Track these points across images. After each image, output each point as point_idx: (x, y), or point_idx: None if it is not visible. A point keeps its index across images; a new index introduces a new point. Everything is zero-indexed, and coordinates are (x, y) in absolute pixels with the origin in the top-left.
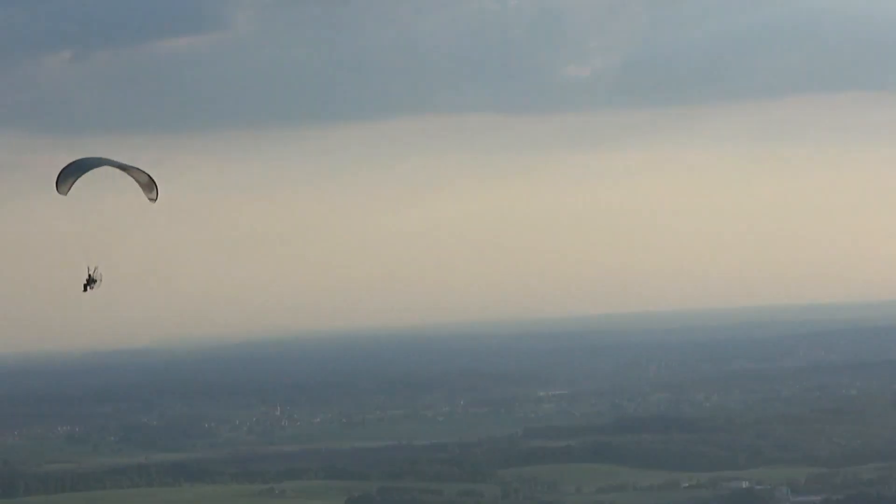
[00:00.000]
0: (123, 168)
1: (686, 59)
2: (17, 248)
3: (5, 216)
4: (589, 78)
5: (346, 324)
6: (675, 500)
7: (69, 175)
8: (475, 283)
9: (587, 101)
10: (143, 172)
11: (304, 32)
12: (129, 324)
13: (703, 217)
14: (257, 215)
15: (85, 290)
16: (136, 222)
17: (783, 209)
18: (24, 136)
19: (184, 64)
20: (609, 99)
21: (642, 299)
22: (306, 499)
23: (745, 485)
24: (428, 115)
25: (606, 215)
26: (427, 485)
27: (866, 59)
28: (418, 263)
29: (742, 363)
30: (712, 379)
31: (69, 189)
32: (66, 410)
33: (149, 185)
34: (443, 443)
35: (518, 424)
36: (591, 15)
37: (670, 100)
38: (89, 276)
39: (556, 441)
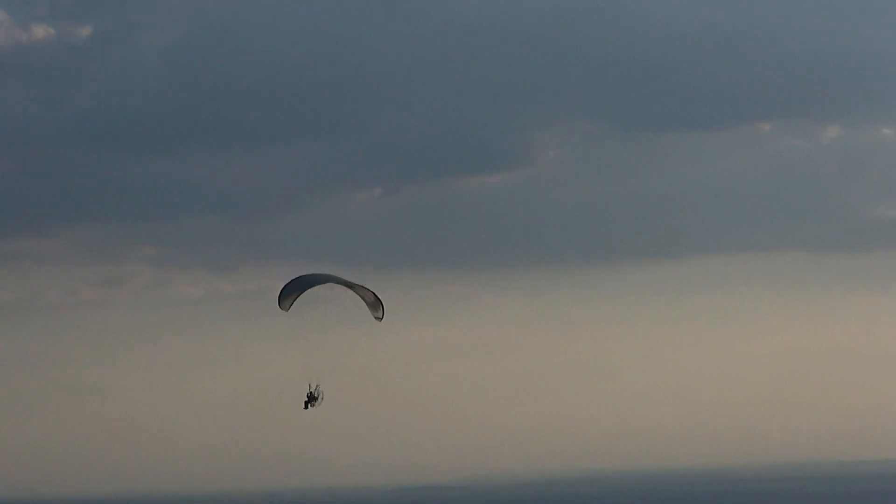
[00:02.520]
0: (349, 286)
1: None
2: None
3: (305, 353)
4: None
5: (644, 462)
6: None
7: (292, 291)
8: (783, 423)
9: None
10: (369, 290)
11: (607, 170)
12: (443, 457)
13: None
14: (559, 350)
15: (306, 407)
16: (442, 354)
17: None
18: (334, 270)
19: (491, 200)
20: None
21: None
22: None
23: None
24: (729, 252)
25: None
26: None
27: None
28: (723, 401)
29: None
30: None
31: (291, 305)
32: None
33: (375, 304)
34: None
35: None
36: None
37: None
38: (310, 393)
39: None
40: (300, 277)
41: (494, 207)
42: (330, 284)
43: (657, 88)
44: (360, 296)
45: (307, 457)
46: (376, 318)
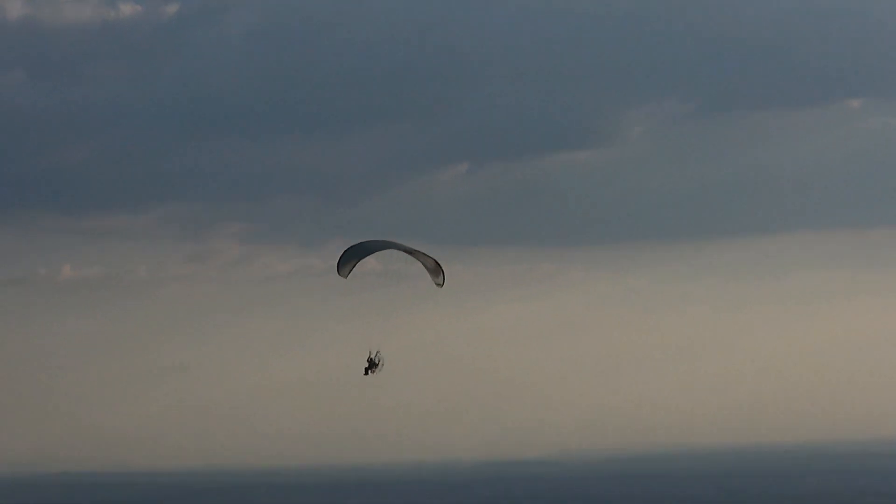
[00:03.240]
0: (409, 252)
1: None
2: (418, 359)
3: (401, 326)
4: None
5: (737, 438)
6: None
7: (352, 257)
8: (873, 400)
9: None
10: (430, 257)
11: (695, 149)
12: (529, 433)
13: None
14: (645, 327)
15: (366, 373)
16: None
17: None
18: (416, 247)
19: (577, 178)
20: None
21: None
22: None
23: None
24: (818, 230)
25: None
26: None
27: None
28: (812, 379)
29: None
30: None
31: (350, 272)
32: None
33: (435, 270)
34: None
35: None
36: None
37: None
38: (370, 359)
39: None
40: (359, 244)
41: (581, 185)
42: (390, 251)
43: (746, 67)
44: (421, 262)
45: (396, 433)
46: (437, 285)
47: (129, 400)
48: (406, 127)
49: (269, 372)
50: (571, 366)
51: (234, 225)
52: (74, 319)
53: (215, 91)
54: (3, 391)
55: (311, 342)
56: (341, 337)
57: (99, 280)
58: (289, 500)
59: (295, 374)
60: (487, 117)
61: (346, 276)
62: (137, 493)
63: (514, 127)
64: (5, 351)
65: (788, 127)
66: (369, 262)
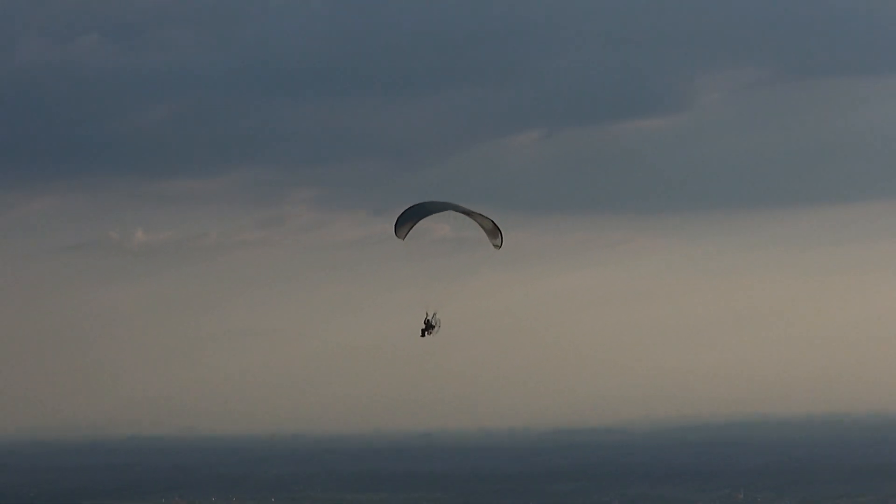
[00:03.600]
0: (467, 213)
1: None
2: (484, 324)
3: (470, 293)
4: None
5: (810, 408)
6: None
7: (409, 219)
8: None
9: None
10: (487, 218)
11: (770, 116)
12: (598, 401)
13: None
14: (721, 297)
15: (423, 335)
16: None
17: None
18: (488, 213)
19: (650, 145)
20: None
21: None
22: None
23: None
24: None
25: None
26: None
27: None
28: (887, 349)
29: None
30: None
31: (407, 233)
32: (525, 487)
33: (493, 231)
34: None
35: None
36: None
37: None
38: (427, 321)
39: None
40: (417, 205)
41: (654, 152)
42: (448, 212)
43: (825, 33)
44: (479, 223)
45: (464, 399)
46: (495, 246)
47: (197, 364)
48: (481, 91)
49: (337, 337)
50: (640, 334)
51: (306, 190)
52: (146, 283)
53: (290, 54)
54: (73, 354)
55: (380, 308)
56: (411, 303)
57: (170, 244)
58: (355, 466)
59: (363, 339)
60: (563, 83)
61: (403, 238)
62: (202, 457)
63: (589, 93)
64: (76, 314)
65: (867, 94)
66: (439, 228)
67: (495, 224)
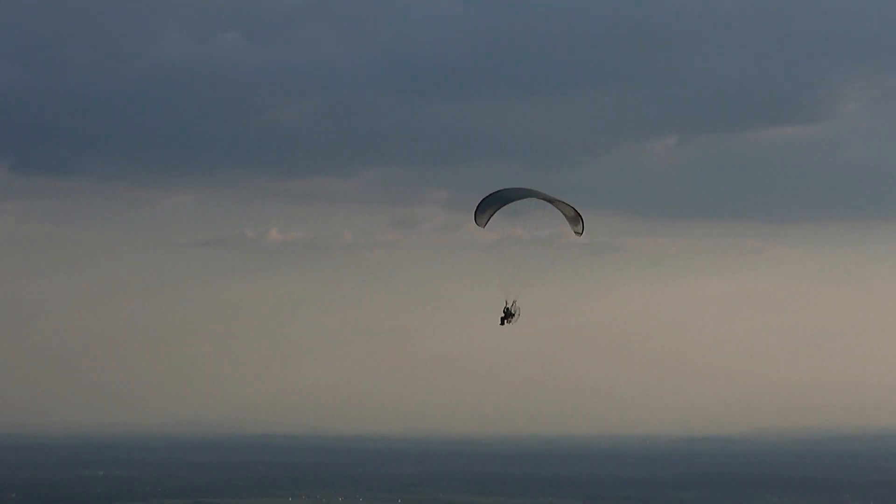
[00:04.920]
0: (549, 200)
1: None
2: (604, 331)
3: (603, 298)
4: None
5: None
6: None
7: (490, 206)
8: None
9: None
10: (569, 206)
11: None
12: (730, 409)
13: None
14: (856, 306)
15: (502, 323)
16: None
17: None
18: (622, 218)
19: (786, 153)
20: None
21: None
22: None
23: None
24: None
25: None
26: None
27: None
28: None
29: None
30: None
31: (487, 221)
32: (650, 495)
33: (575, 219)
34: None
35: None
36: None
37: None
38: (506, 309)
39: None
40: (498, 192)
41: (790, 160)
42: (530, 199)
43: None
44: (561, 211)
45: (595, 406)
46: (576, 233)
47: (327, 363)
48: (618, 95)
49: (468, 340)
50: (773, 342)
51: (440, 191)
52: (279, 281)
53: (428, 54)
54: (208, 350)
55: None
56: (544, 307)
57: (305, 243)
58: (481, 468)
59: (494, 343)
60: (699, 89)
61: (483, 226)
62: (331, 456)
63: (726, 100)
64: (210, 310)
65: None
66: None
67: (577, 211)
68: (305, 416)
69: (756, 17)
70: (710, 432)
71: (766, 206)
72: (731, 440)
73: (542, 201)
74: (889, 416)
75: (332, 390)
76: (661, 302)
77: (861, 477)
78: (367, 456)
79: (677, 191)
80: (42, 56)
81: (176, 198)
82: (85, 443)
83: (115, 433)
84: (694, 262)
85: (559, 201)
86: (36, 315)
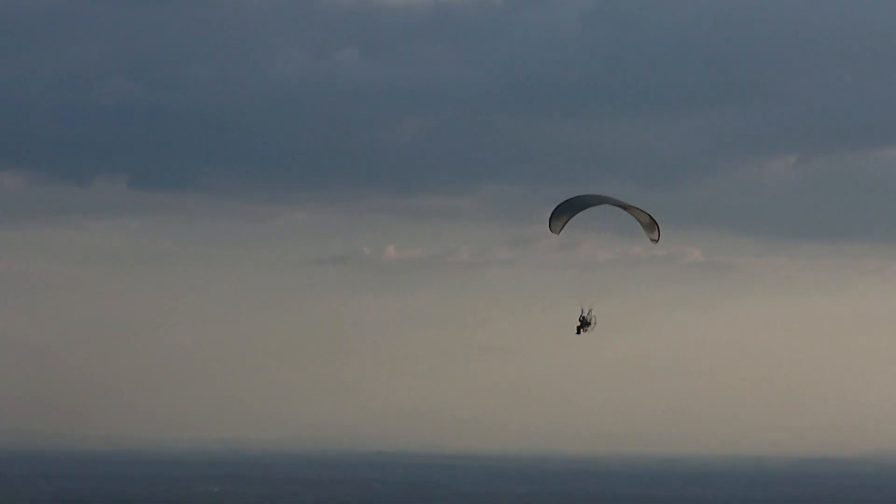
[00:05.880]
0: (623, 206)
1: None
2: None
3: (719, 317)
4: None
5: None
6: None
7: (564, 213)
8: None
9: None
10: (644, 212)
11: None
12: (849, 430)
13: None
14: None
15: (578, 332)
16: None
17: None
18: (737, 238)
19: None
20: None
21: None
22: None
23: None
24: None
25: None
26: None
27: None
28: None
29: None
30: None
31: (562, 228)
32: None
33: (650, 226)
34: None
35: None
36: None
37: None
38: (582, 318)
39: None
40: (572, 199)
41: None
42: (604, 206)
43: None
44: (636, 217)
45: (708, 424)
46: (652, 241)
47: (442, 380)
48: (737, 113)
49: (584, 358)
50: (892, 362)
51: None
52: (395, 299)
53: (543, 72)
54: (322, 367)
55: (627, 330)
56: (657, 326)
57: (421, 261)
58: (598, 488)
59: (607, 361)
60: (818, 108)
61: (558, 233)
62: (446, 473)
63: (845, 120)
64: (326, 327)
65: None
66: (689, 252)
67: (652, 218)
68: (420, 433)
69: (875, 36)
70: (826, 453)
71: (885, 226)
72: (851, 462)
73: (616, 207)
74: None
75: (446, 407)
76: (778, 321)
77: None
78: (481, 473)
79: (796, 211)
80: (161, 72)
81: (293, 214)
82: (201, 458)
83: (230, 448)
84: (811, 282)
85: (634, 207)
86: (154, 331)
